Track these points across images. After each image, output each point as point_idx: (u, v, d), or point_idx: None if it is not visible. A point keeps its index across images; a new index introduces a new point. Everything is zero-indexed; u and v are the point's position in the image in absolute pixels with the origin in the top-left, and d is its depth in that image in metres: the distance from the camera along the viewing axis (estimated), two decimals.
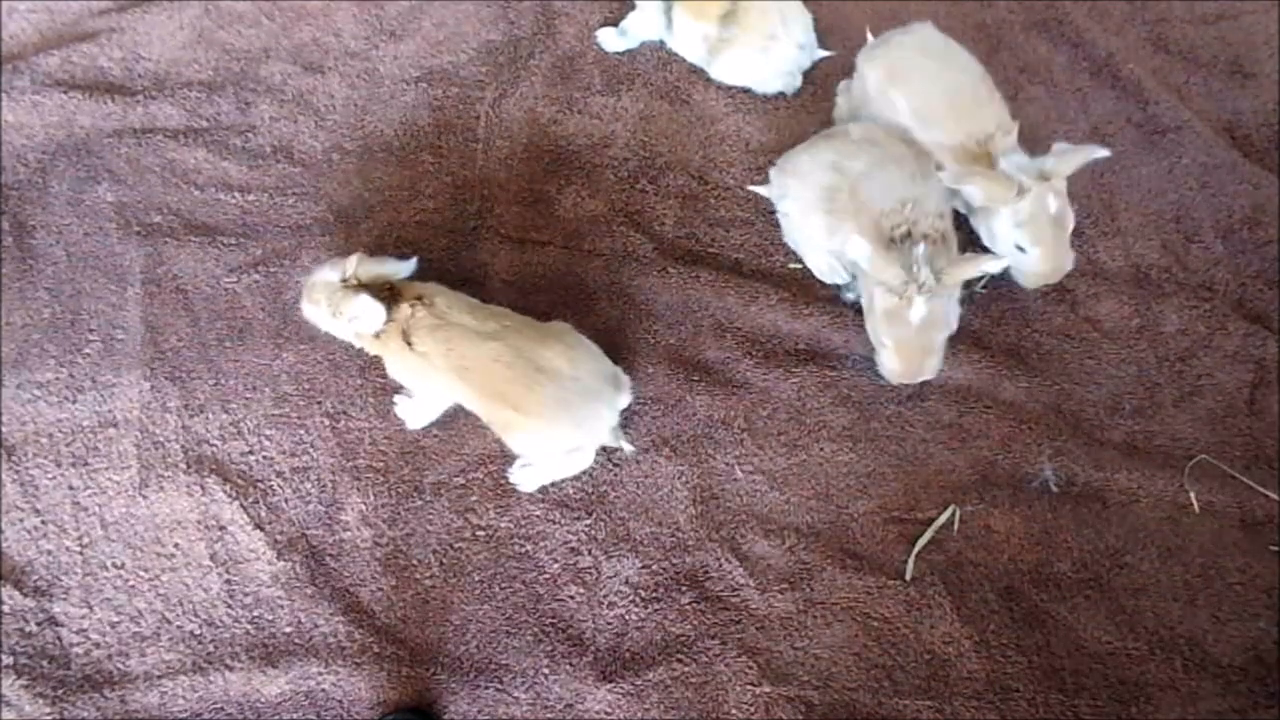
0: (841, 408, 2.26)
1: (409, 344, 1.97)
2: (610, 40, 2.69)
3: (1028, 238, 2.17)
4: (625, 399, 2.07)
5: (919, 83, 2.28)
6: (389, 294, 1.98)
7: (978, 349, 2.31)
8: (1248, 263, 2.46)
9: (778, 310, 2.34)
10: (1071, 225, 2.19)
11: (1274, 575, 2.12)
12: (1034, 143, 2.55)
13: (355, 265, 1.99)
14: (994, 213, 2.19)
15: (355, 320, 1.96)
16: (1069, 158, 2.12)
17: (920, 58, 2.31)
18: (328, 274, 2.00)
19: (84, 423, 2.21)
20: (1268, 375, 2.32)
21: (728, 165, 2.55)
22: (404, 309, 1.98)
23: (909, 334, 2.06)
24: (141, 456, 2.18)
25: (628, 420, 2.21)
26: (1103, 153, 2.13)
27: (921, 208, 2.08)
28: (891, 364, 2.13)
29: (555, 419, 1.97)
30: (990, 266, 2.07)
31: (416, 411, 2.17)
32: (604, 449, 2.16)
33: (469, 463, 2.19)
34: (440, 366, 1.97)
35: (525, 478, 2.13)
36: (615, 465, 2.19)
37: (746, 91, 2.63)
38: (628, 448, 2.14)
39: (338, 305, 1.96)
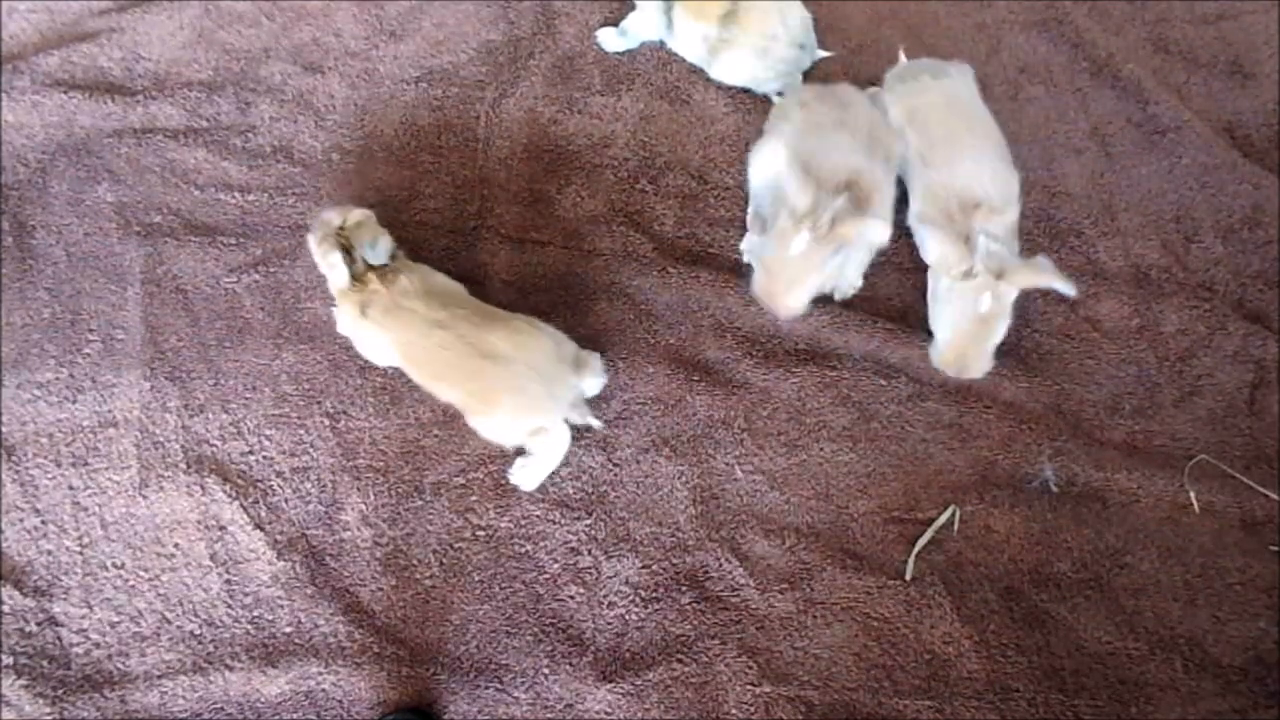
0: (841, 408, 2.26)
1: (363, 314, 2.03)
2: (610, 40, 2.68)
3: (945, 317, 2.13)
4: (592, 380, 2.09)
5: (933, 132, 2.21)
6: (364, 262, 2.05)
7: None
8: (1248, 263, 2.46)
9: None
10: (998, 339, 2.12)
11: (1274, 575, 2.12)
12: (1034, 143, 2.57)
13: (352, 221, 2.05)
14: (937, 272, 2.15)
15: (325, 268, 2.05)
16: (1032, 273, 2.03)
17: (943, 110, 2.24)
18: (332, 215, 2.06)
19: (84, 423, 2.21)
20: (1268, 375, 2.32)
21: (728, 165, 2.55)
22: (371, 281, 2.03)
23: (781, 260, 2.01)
24: (141, 456, 2.18)
25: (627, 419, 2.21)
26: (1068, 290, 2.04)
27: (866, 181, 2.03)
28: (758, 280, 2.10)
29: (503, 403, 1.99)
30: (874, 234, 1.98)
31: (370, 352, 2.19)
32: (604, 449, 2.17)
33: (469, 463, 2.19)
34: (390, 343, 2.04)
35: (525, 477, 2.13)
36: (615, 465, 2.19)
37: (746, 91, 2.63)
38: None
39: (322, 247, 2.04)
